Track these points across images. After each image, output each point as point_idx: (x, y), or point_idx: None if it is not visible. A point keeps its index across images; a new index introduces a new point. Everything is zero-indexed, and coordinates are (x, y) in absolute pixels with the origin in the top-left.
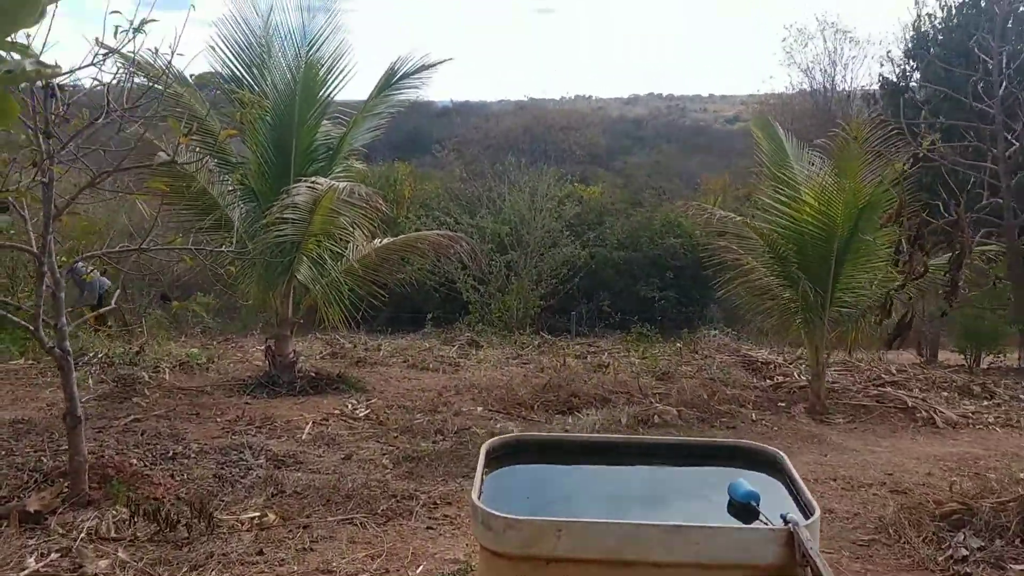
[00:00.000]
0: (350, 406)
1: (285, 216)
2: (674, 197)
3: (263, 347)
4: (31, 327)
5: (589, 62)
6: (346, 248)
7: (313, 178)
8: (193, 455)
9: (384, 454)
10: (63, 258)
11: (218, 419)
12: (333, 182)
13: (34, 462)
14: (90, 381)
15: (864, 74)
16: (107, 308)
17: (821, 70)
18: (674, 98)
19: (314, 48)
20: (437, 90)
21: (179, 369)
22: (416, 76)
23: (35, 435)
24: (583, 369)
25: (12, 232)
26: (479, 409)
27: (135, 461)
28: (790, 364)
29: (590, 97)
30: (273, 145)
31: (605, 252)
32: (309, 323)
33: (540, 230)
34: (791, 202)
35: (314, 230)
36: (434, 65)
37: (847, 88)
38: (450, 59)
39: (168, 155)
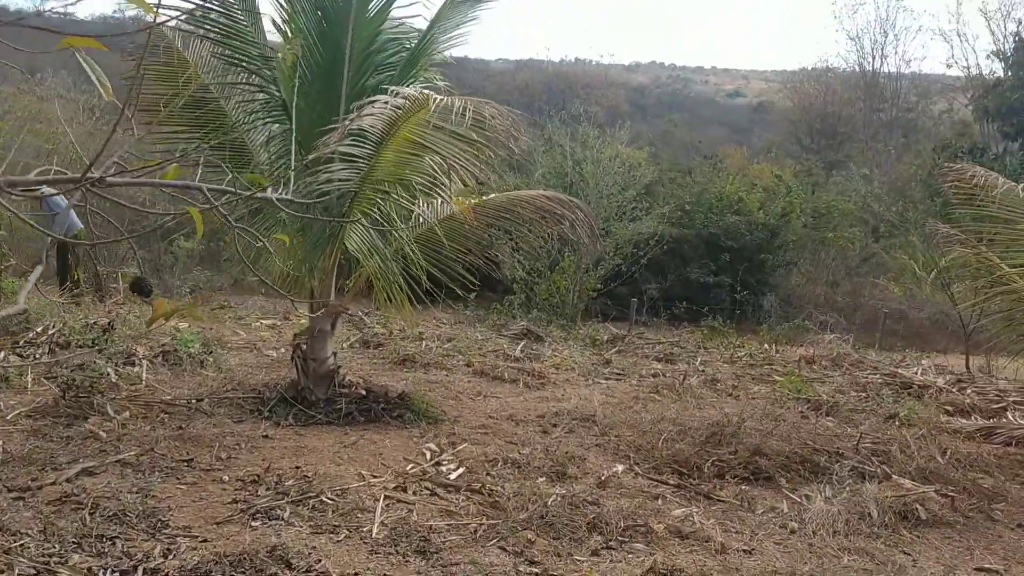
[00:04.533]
0: (429, 455)
1: (339, 150)
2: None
3: (273, 332)
4: None
5: (585, 23)
6: (416, 205)
7: (393, 88)
8: None
9: None
10: None
11: (224, 477)
12: (431, 93)
13: None
14: (28, 378)
15: (918, 47)
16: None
17: (871, 39)
18: (676, 68)
19: None
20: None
21: (162, 360)
22: None
23: None
24: (700, 388)
25: None
26: (620, 469)
27: None
28: (954, 388)
29: (590, 61)
30: (317, 35)
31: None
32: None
33: (606, 199)
34: None
35: (380, 174)
36: None
37: (897, 61)
38: None
39: None
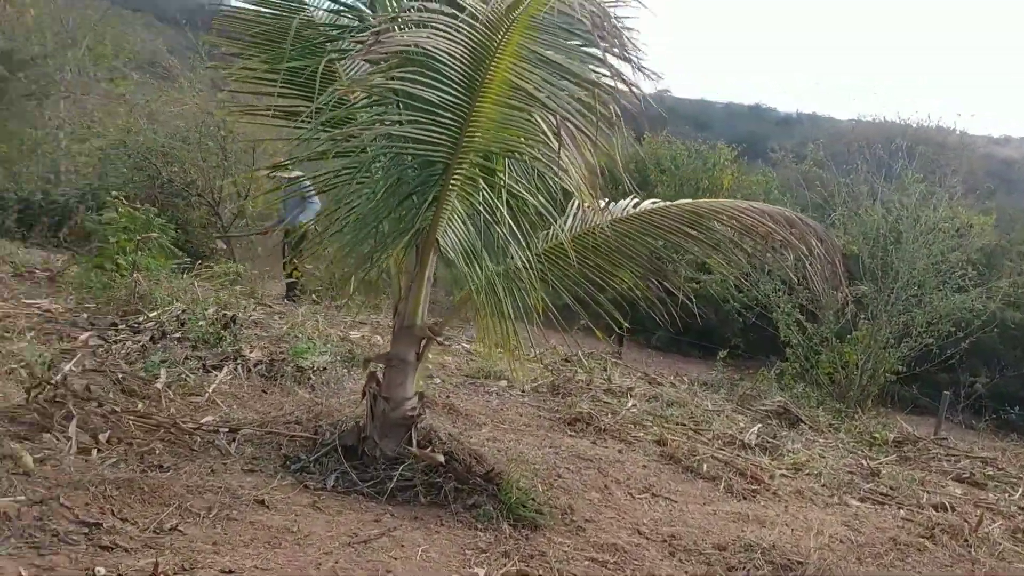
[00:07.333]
0: None
1: (392, 88)
2: None
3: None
4: None
5: (953, 91)
6: (570, 204)
7: None
8: None
9: None
10: None
11: (104, 568)
12: None
13: None
14: (69, 367)
15: None
16: None
17: None
18: None
19: None
20: (779, 95)
21: (265, 370)
22: None
23: None
24: (1005, 539)
25: None
26: None
27: None
28: None
29: (953, 130)
30: None
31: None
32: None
33: (924, 259)
34: None
35: (482, 138)
36: None
37: None
38: None
39: None
